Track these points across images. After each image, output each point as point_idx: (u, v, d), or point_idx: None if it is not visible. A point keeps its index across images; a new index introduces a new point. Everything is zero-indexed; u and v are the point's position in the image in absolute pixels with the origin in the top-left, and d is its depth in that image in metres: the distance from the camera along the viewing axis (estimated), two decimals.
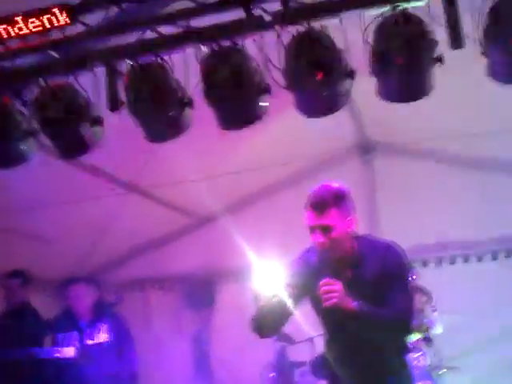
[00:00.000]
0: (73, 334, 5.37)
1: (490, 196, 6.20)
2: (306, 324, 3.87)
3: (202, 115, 3.36)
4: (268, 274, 2.85)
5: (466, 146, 5.84)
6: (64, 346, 5.23)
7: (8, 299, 5.34)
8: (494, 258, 6.52)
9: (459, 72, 3.88)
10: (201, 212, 6.99)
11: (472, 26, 2.93)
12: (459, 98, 4.97)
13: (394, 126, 5.71)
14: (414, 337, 5.59)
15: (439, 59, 2.92)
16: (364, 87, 3.19)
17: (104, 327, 5.41)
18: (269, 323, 2.86)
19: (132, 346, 5.52)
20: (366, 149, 6.59)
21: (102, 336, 5.37)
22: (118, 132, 4.01)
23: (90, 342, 5.34)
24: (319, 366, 5.37)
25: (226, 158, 5.74)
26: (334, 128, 5.45)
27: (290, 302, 2.76)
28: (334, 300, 2.61)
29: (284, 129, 5.12)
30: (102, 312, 5.58)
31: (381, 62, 2.93)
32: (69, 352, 5.12)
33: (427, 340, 5.59)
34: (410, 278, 2.96)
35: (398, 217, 6.36)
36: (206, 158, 5.59)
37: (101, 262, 6.76)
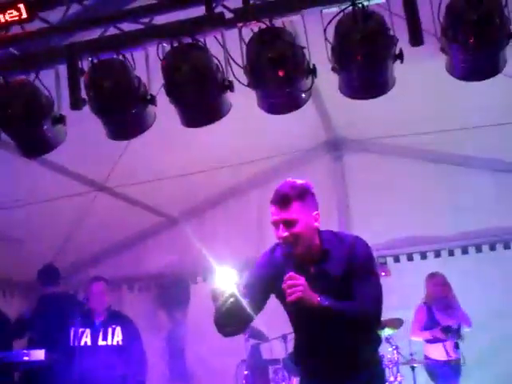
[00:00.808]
0: (85, 331, 5.35)
1: (459, 191, 6.29)
2: (279, 321, 3.87)
3: (167, 112, 3.34)
4: (226, 275, 2.83)
5: (433, 140, 5.91)
6: (75, 341, 5.27)
7: None
8: (465, 252, 6.60)
9: (423, 66, 3.92)
10: (170, 212, 6.97)
11: (432, 22, 2.95)
12: (426, 92, 5.02)
13: (362, 122, 5.75)
14: (387, 331, 5.66)
15: (399, 56, 2.94)
16: (332, 84, 3.20)
17: (118, 330, 5.39)
18: (228, 323, 2.84)
19: (142, 349, 5.49)
20: (335, 146, 6.64)
21: (116, 338, 5.36)
22: (85, 130, 3.98)
23: (102, 343, 5.33)
24: (291, 362, 5.39)
25: (194, 157, 5.72)
26: (303, 126, 5.49)
27: (246, 303, 2.75)
28: (298, 294, 2.59)
29: (252, 126, 5.12)
30: (116, 314, 5.59)
31: (341, 59, 2.93)
32: (39, 355, 5.08)
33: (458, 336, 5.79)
34: (377, 271, 2.93)
35: (370, 212, 6.42)
36: (173, 156, 5.56)
37: (72, 261, 6.70)
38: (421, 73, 4.31)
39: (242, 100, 3.23)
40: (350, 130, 6.42)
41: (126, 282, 7.34)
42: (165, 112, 3.34)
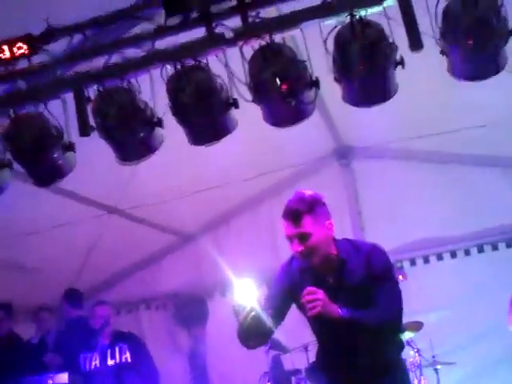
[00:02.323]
0: (94, 355, 5.43)
1: (470, 190, 6.28)
2: (299, 331, 3.89)
3: (174, 133, 3.39)
4: (245, 288, 2.87)
5: (441, 141, 5.91)
6: (86, 366, 5.35)
7: None
8: (481, 251, 6.56)
9: (424, 68, 3.95)
10: (183, 229, 7.00)
11: (430, 26, 2.99)
12: (430, 94, 5.03)
13: (368, 128, 5.77)
14: (408, 335, 5.63)
15: (400, 62, 2.97)
16: (336, 93, 3.23)
17: (125, 347, 5.46)
18: (250, 337, 2.89)
19: (152, 364, 5.57)
20: (343, 153, 6.66)
21: (124, 356, 5.43)
22: (95, 155, 4.04)
23: (111, 362, 5.40)
24: (314, 372, 5.38)
25: (205, 174, 5.76)
26: (310, 136, 5.52)
27: (267, 317, 2.78)
28: (318, 309, 2.62)
29: (260, 140, 5.16)
30: (121, 333, 5.66)
31: (342, 69, 2.97)
32: (62, 378, 5.12)
33: None
34: (395, 277, 2.96)
35: (382, 217, 6.42)
36: (183, 175, 5.60)
37: (86, 286, 6.74)
38: (423, 75, 4.33)
39: (248, 115, 3.28)
40: (356, 137, 6.44)
41: (143, 302, 7.38)
42: (172, 132, 3.41)
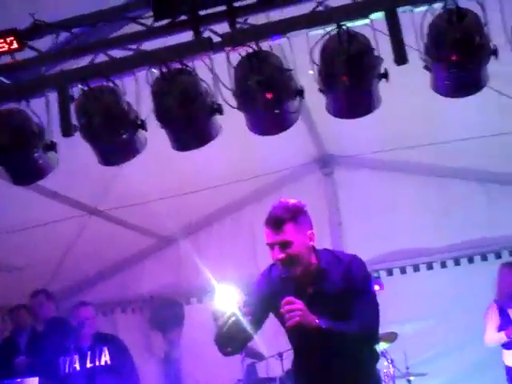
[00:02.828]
0: (73, 357, 5.34)
1: (449, 203, 6.35)
2: (274, 339, 3.89)
3: (158, 135, 3.38)
4: (226, 294, 2.86)
5: (422, 154, 5.98)
6: (66, 368, 5.27)
7: None
8: (457, 263, 6.63)
9: (408, 82, 3.99)
10: (163, 232, 6.97)
11: (415, 40, 3.02)
12: (413, 108, 5.09)
13: (351, 138, 5.81)
14: (383, 345, 5.66)
15: (384, 75, 3.00)
16: (319, 103, 3.25)
17: (105, 350, 5.38)
18: (229, 343, 2.88)
19: (132, 368, 5.51)
20: (325, 162, 6.70)
21: (103, 359, 5.35)
22: (77, 155, 4.00)
23: (90, 365, 5.31)
24: (289, 380, 5.38)
25: (186, 177, 5.74)
26: (293, 143, 5.54)
27: (246, 323, 2.78)
28: (296, 319, 2.62)
29: (242, 145, 5.17)
30: (102, 336, 5.57)
31: (327, 80, 2.99)
32: (32, 383, 5.04)
33: None
34: (373, 290, 2.98)
35: (361, 227, 6.47)
36: (166, 177, 5.58)
37: (64, 286, 6.67)
38: (407, 88, 4.38)
39: (232, 120, 3.28)
40: (339, 147, 6.48)
41: (119, 305, 7.31)
42: (154, 134, 3.39)
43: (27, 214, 5.52)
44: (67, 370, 5.28)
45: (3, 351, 5.66)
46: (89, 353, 5.38)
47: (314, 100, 3.26)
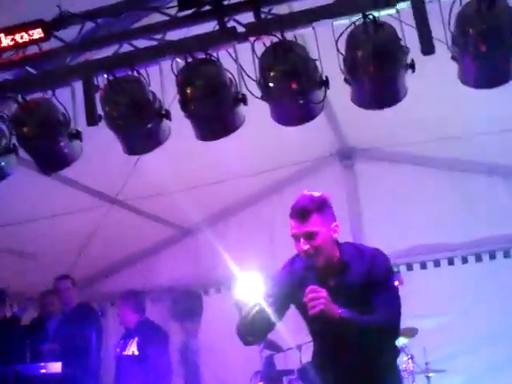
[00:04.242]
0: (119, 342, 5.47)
1: (471, 198, 6.28)
2: (293, 331, 3.89)
3: (181, 126, 3.39)
4: (250, 283, 2.88)
5: (445, 147, 5.92)
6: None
7: None
8: (479, 259, 6.55)
9: (433, 74, 3.95)
10: (184, 223, 7.00)
11: (442, 30, 2.99)
12: (434, 100, 5.03)
13: (372, 131, 5.77)
14: (402, 341, 5.62)
15: (411, 66, 2.97)
16: (341, 94, 3.23)
17: (135, 339, 5.42)
18: (252, 332, 2.90)
19: (161, 357, 5.50)
20: (345, 154, 6.66)
21: (131, 349, 5.39)
22: (98, 145, 4.03)
23: (124, 353, 5.40)
24: (307, 373, 5.39)
25: (207, 168, 5.75)
26: (314, 135, 5.51)
27: (271, 312, 2.79)
28: (320, 307, 2.63)
29: (263, 137, 5.16)
30: (142, 324, 5.62)
31: (353, 70, 2.97)
32: (56, 368, 5.10)
33: None
34: (395, 284, 2.98)
35: (382, 220, 6.43)
36: (187, 168, 5.60)
37: (85, 274, 6.74)
38: (430, 79, 4.33)
39: (252, 111, 3.28)
40: (360, 139, 6.45)
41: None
42: (177, 124, 3.40)
43: (48, 202, 5.58)
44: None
45: (31, 336, 5.69)
46: (124, 340, 5.45)
47: (335, 92, 3.24)
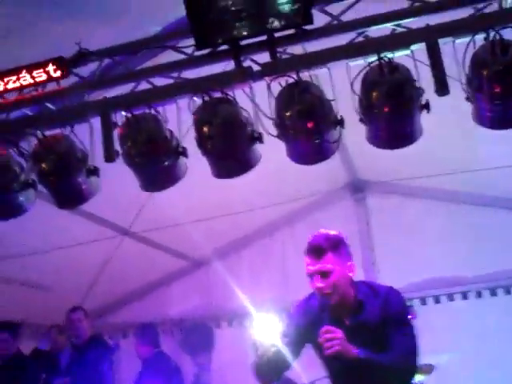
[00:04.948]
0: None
1: (483, 231, 6.24)
2: (306, 367, 3.86)
3: (192, 158, 3.42)
4: (266, 322, 2.87)
5: (458, 181, 5.91)
6: None
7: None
8: (493, 294, 6.49)
9: (447, 108, 3.97)
10: (195, 255, 7.00)
11: (456, 70, 3.02)
12: (448, 134, 5.05)
13: (384, 164, 5.78)
14: (418, 378, 5.53)
15: (426, 106, 2.99)
16: (352, 128, 3.26)
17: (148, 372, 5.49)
18: (268, 372, 2.91)
19: None
20: (357, 188, 6.67)
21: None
22: (111, 177, 4.07)
23: None
24: None
25: (218, 201, 5.77)
26: (325, 168, 5.51)
27: (287, 352, 2.79)
28: (336, 348, 2.62)
29: (275, 169, 5.18)
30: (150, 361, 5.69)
31: (368, 110, 3.00)
32: None
33: None
34: (411, 322, 2.97)
35: (394, 254, 6.38)
36: (197, 201, 5.62)
37: (96, 306, 6.72)
38: (444, 114, 4.36)
39: (263, 145, 3.31)
40: (372, 172, 6.45)
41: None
42: (190, 157, 3.43)
43: (63, 233, 5.60)
44: None
45: (44, 369, 5.67)
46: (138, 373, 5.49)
47: (347, 124, 3.27)
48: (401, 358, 2.76)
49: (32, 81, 3.53)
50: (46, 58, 3.52)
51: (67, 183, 3.44)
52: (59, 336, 5.92)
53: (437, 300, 6.63)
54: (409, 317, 3.04)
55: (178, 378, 5.67)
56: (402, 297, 2.98)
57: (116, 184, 4.56)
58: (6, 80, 3.56)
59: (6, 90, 3.58)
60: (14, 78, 3.54)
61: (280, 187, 5.88)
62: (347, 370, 2.82)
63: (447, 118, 4.54)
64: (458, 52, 3.00)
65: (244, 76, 3.24)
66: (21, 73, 3.54)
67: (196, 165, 3.45)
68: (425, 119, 3.17)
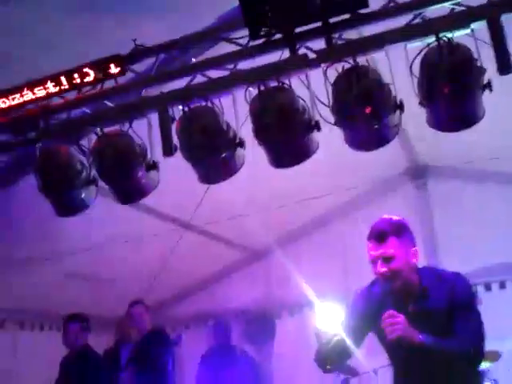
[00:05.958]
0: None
1: None
2: (369, 355, 3.83)
3: (250, 148, 3.43)
4: (328, 311, 2.86)
5: None
6: None
7: (69, 343, 5.39)
8: None
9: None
10: (255, 246, 7.04)
11: None
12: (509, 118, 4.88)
13: (444, 148, 5.63)
14: (484, 365, 5.40)
15: (488, 85, 2.89)
16: (412, 111, 3.19)
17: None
18: (331, 361, 2.90)
19: None
20: (418, 173, 6.53)
21: None
22: (171, 170, 4.12)
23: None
24: None
25: (276, 191, 5.77)
26: (385, 154, 5.42)
27: (349, 341, 2.77)
28: (398, 332, 2.59)
29: (334, 158, 5.12)
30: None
31: (428, 92, 2.93)
32: None
33: None
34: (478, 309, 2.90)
35: (457, 239, 6.23)
36: (255, 192, 5.63)
37: (159, 299, 6.86)
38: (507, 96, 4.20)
39: (320, 133, 3.28)
40: (432, 157, 6.31)
41: (212, 318, 7.41)
42: (248, 147, 3.44)
43: (124, 228, 5.73)
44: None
45: (105, 365, 5.77)
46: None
47: (406, 109, 3.19)
48: (466, 344, 2.69)
49: (92, 79, 3.61)
50: (100, 56, 3.59)
51: (127, 178, 3.50)
52: (127, 329, 5.96)
53: (502, 285, 6.45)
54: (477, 305, 2.96)
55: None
56: (469, 283, 2.90)
57: (175, 178, 4.62)
58: (64, 80, 3.65)
59: (66, 90, 3.66)
60: (73, 77, 3.63)
61: (338, 175, 5.82)
62: (410, 356, 2.77)
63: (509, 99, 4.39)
64: None
65: (300, 64, 3.21)
66: (80, 72, 3.62)
67: (253, 156, 3.45)
68: (490, 101, 3.06)
